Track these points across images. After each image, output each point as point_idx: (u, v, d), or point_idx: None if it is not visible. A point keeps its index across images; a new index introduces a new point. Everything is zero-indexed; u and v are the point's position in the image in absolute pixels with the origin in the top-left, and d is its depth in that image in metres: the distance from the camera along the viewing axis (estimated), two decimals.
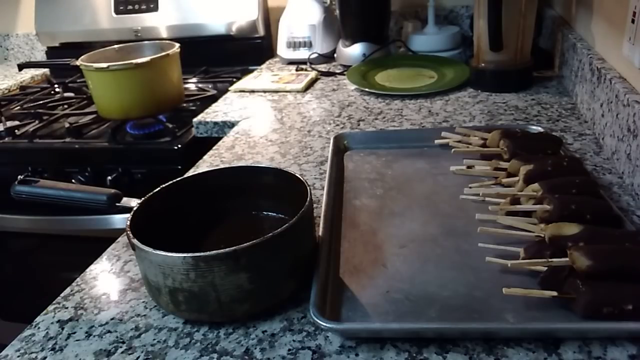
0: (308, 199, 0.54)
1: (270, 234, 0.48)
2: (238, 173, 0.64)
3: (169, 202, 0.60)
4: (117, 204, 0.60)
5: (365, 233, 0.63)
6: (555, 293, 0.47)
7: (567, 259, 0.48)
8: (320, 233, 0.59)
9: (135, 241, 0.50)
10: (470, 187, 0.68)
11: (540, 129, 0.80)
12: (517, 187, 0.64)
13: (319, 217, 0.62)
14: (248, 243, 0.47)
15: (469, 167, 0.72)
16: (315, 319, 0.47)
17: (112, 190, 0.60)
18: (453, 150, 0.76)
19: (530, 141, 0.72)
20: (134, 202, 0.58)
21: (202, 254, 0.47)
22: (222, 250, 0.47)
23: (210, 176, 0.63)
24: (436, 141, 0.81)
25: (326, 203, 0.65)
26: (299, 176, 0.58)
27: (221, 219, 0.64)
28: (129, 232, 0.51)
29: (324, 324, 0.47)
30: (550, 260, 0.50)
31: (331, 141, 0.83)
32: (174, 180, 0.61)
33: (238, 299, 0.49)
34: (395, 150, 0.83)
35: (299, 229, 0.52)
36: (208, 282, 0.48)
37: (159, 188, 0.59)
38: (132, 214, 0.54)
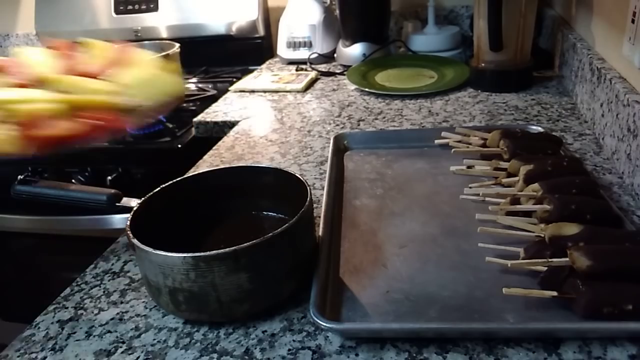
0: (308, 199, 0.54)
1: (270, 234, 0.48)
2: (238, 173, 0.64)
3: (169, 202, 0.60)
4: (117, 204, 0.60)
5: (365, 233, 0.63)
6: (555, 293, 0.47)
7: (567, 259, 0.48)
8: (320, 233, 0.59)
9: (135, 241, 0.50)
10: (470, 187, 0.68)
11: (540, 129, 0.80)
12: (517, 187, 0.64)
13: (319, 217, 0.62)
14: (248, 243, 0.47)
15: (469, 167, 0.72)
16: (315, 319, 0.47)
17: (112, 190, 0.60)
18: (453, 150, 0.76)
19: (530, 141, 0.72)
20: (134, 202, 0.58)
21: (202, 254, 0.47)
22: (222, 250, 0.47)
23: (211, 176, 0.63)
24: (436, 141, 0.81)
25: (326, 203, 0.65)
26: (299, 176, 0.58)
27: (221, 219, 0.63)
28: (129, 232, 0.51)
29: (324, 324, 0.47)
30: (550, 260, 0.50)
31: (331, 141, 0.83)
32: (174, 180, 0.61)
33: (238, 299, 0.49)
34: (395, 150, 0.83)
35: (299, 229, 0.52)
36: (208, 282, 0.48)
37: (159, 188, 0.59)
38: (132, 214, 0.54)
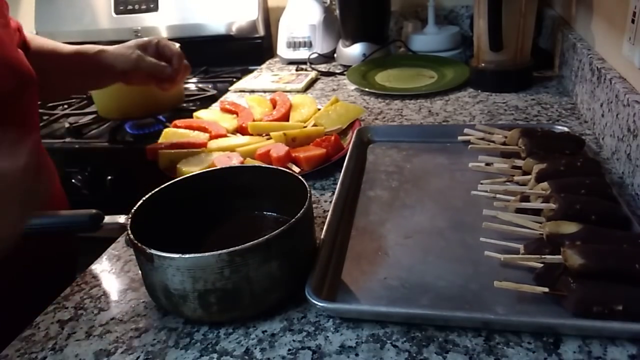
0: (308, 197, 0.54)
1: (294, 219, 0.49)
2: (237, 173, 0.64)
3: (169, 203, 0.59)
4: (101, 224, 0.56)
5: (373, 222, 0.64)
6: (546, 289, 0.48)
7: (561, 256, 0.49)
8: (329, 218, 0.60)
9: (153, 252, 0.47)
10: (481, 184, 0.67)
11: (565, 129, 0.79)
12: (529, 185, 0.64)
13: (327, 211, 0.63)
14: (277, 231, 0.48)
15: (487, 164, 0.71)
16: (309, 297, 0.48)
17: (93, 211, 0.56)
18: (470, 146, 0.76)
19: (549, 140, 0.72)
20: (121, 219, 0.55)
21: (237, 248, 0.47)
22: (255, 241, 0.47)
23: (210, 176, 0.63)
24: (459, 137, 0.81)
25: (339, 192, 0.66)
26: (298, 176, 0.58)
27: (219, 220, 0.63)
28: (141, 246, 0.48)
29: (318, 303, 0.48)
30: (543, 257, 0.50)
31: (354, 134, 0.84)
32: (173, 181, 0.61)
33: (269, 288, 0.50)
34: (418, 145, 0.84)
35: (307, 218, 0.53)
36: (242, 276, 0.48)
37: (158, 188, 0.59)
38: (130, 217, 0.53)
